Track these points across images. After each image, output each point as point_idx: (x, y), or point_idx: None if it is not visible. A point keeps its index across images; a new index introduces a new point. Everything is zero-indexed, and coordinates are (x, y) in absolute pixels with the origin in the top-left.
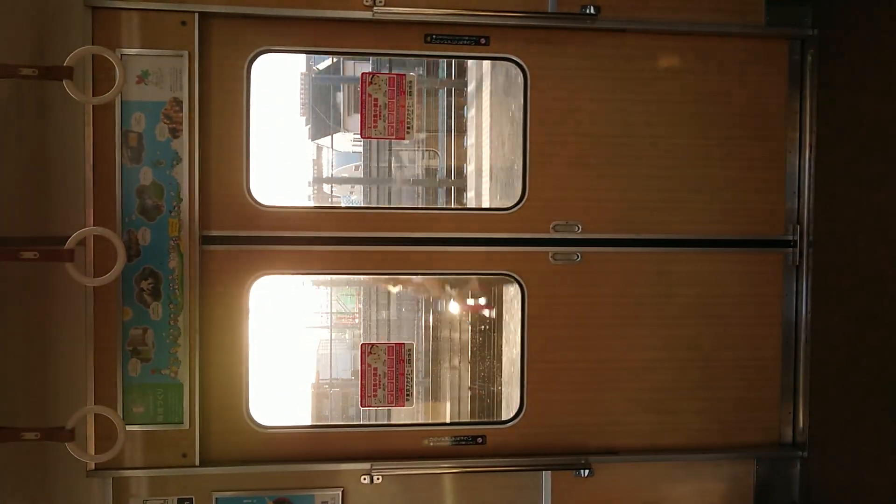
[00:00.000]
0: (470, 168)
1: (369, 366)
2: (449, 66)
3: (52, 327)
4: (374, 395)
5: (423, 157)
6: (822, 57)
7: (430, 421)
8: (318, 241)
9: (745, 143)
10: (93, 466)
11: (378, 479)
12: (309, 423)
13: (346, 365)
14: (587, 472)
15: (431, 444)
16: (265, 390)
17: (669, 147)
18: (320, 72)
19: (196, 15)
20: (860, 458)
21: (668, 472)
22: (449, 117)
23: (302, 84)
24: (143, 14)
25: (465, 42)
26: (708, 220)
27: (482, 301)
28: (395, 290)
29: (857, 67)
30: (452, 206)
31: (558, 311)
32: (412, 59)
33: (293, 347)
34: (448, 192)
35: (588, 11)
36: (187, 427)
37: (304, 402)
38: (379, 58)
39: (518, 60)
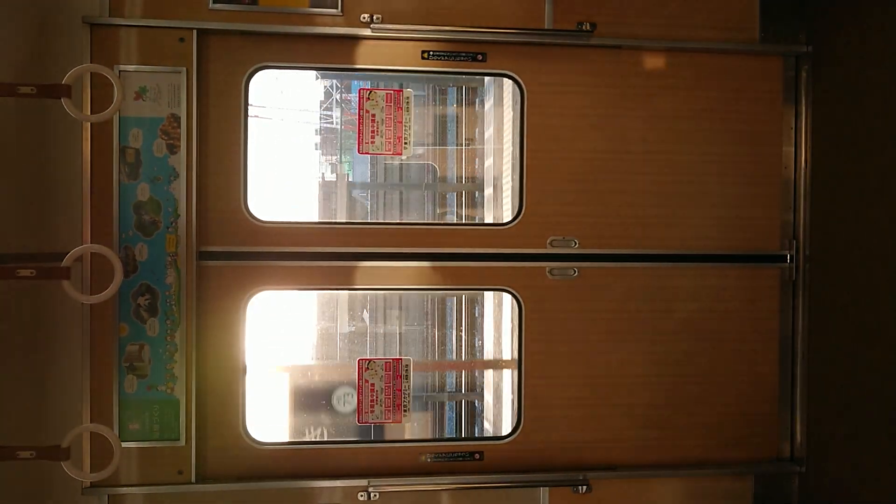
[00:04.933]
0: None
1: (366, 381)
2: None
3: (48, 344)
4: (371, 412)
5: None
6: (817, 73)
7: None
8: (315, 256)
9: (741, 158)
10: (88, 484)
11: (375, 495)
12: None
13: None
14: (585, 488)
15: (429, 460)
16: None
17: (666, 162)
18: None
19: (194, 32)
20: (858, 473)
21: (666, 487)
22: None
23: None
24: (142, 31)
25: (462, 58)
26: (705, 236)
27: None
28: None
29: (851, 83)
30: (450, 222)
31: (555, 326)
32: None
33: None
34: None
35: (584, 28)
36: (183, 444)
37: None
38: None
39: (515, 76)
